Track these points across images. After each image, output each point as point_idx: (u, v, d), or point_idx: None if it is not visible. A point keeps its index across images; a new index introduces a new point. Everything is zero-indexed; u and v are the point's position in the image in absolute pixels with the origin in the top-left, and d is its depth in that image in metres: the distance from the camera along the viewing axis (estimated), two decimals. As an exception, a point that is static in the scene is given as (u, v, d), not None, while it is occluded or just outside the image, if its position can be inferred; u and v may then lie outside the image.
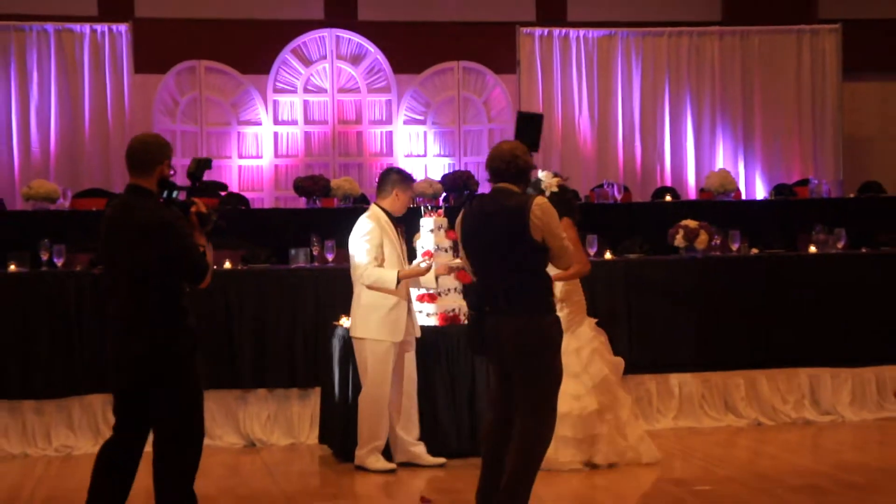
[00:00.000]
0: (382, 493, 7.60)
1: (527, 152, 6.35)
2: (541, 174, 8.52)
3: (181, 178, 6.09)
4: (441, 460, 8.25)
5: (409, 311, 8.20)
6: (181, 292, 5.86)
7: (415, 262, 8.28)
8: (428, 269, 8.15)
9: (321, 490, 7.78)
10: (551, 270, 6.49)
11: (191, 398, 5.91)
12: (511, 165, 6.24)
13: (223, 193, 6.64)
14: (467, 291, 8.47)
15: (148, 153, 5.87)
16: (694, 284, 9.95)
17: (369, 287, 7.98)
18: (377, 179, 8.45)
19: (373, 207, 8.24)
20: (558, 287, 8.08)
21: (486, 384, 8.39)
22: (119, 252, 5.80)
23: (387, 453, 8.19)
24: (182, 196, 5.94)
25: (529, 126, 6.51)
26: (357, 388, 8.33)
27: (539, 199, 6.14)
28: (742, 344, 9.88)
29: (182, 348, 5.88)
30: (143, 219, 5.74)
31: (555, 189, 8.36)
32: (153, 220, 5.72)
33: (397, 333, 8.06)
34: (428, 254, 8.35)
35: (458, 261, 8.37)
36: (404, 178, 8.36)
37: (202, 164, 6.10)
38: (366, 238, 8.02)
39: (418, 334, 8.28)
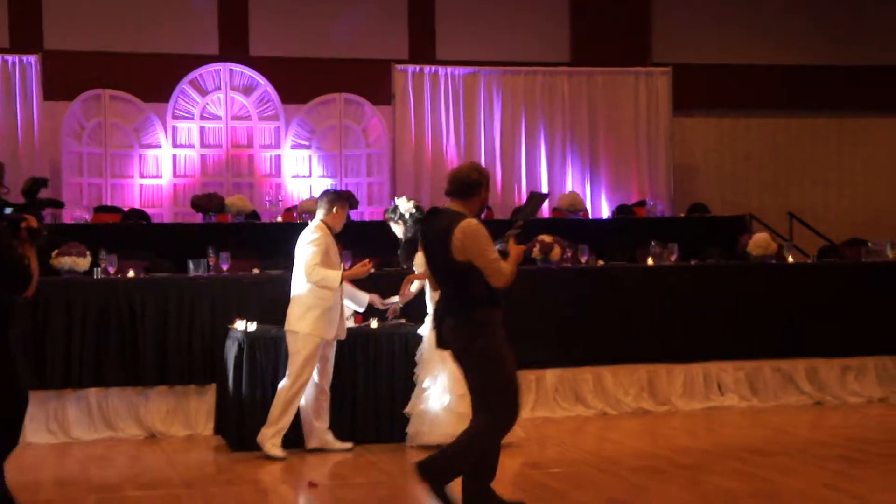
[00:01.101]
0: (274, 478, 7.48)
1: (474, 169, 6.10)
2: (397, 200, 8.55)
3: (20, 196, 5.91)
4: (348, 445, 8.22)
5: (341, 314, 8.12)
6: (8, 300, 5.61)
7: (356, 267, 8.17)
8: (367, 272, 8.09)
9: (217, 476, 7.60)
10: None
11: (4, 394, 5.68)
12: (452, 181, 6.02)
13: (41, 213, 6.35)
14: None
15: None
16: (549, 292, 9.98)
17: (316, 284, 7.86)
18: (318, 198, 8.35)
19: (317, 222, 8.10)
20: None
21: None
22: None
23: (300, 439, 8.13)
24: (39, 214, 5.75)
25: (533, 201, 6.35)
26: (250, 383, 8.23)
27: (464, 223, 5.83)
28: (589, 343, 9.94)
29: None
30: None
31: (413, 211, 8.41)
32: None
33: (329, 331, 7.99)
34: (368, 262, 8.23)
35: (394, 299, 8.44)
36: (340, 196, 8.30)
37: (37, 183, 5.93)
38: (315, 242, 7.91)
39: (343, 336, 8.18)
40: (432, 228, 6.04)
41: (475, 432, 5.94)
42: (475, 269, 5.84)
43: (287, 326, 8.04)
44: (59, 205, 6.34)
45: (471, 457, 5.95)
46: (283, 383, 7.99)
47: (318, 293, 7.94)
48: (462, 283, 5.90)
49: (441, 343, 6.11)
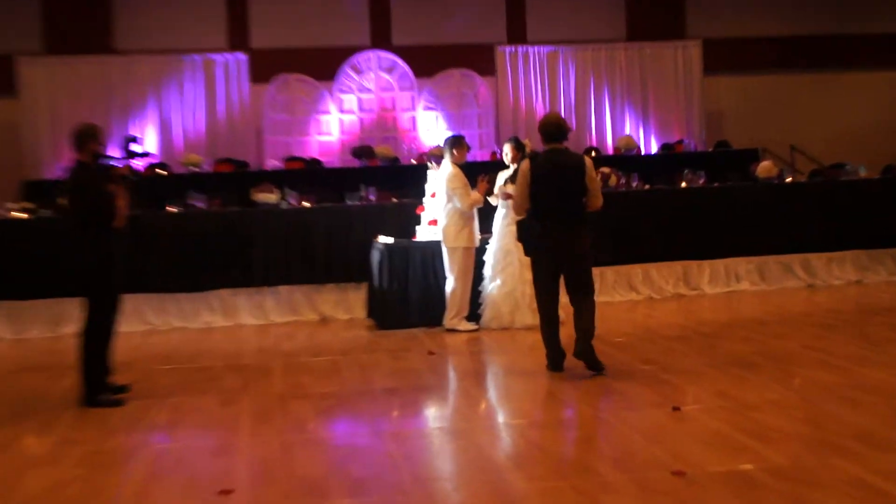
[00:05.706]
0: (402, 348, 7.43)
1: (562, 119, 6.10)
2: (525, 140, 8.12)
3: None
4: (474, 326, 7.95)
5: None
6: (102, 227, 5.53)
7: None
8: (487, 185, 7.75)
9: (365, 347, 7.63)
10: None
11: (104, 295, 5.59)
12: (559, 129, 6.02)
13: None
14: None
15: (80, 137, 5.59)
16: (608, 211, 9.56)
17: (472, 208, 7.69)
18: (443, 145, 7.97)
19: (449, 165, 7.78)
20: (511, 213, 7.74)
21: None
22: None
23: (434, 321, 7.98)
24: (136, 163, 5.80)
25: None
26: (389, 281, 8.18)
27: (588, 159, 5.99)
28: (638, 245, 9.67)
29: (94, 262, 5.54)
30: (69, 181, 5.59)
31: (529, 151, 7.99)
32: (71, 181, 5.56)
33: (476, 240, 7.85)
34: (484, 177, 7.83)
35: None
36: (458, 140, 7.89)
37: (128, 140, 5.93)
38: (458, 185, 7.69)
39: (477, 244, 7.93)
40: (564, 162, 5.98)
41: (593, 307, 5.97)
42: (586, 191, 5.94)
43: (447, 244, 7.77)
44: (146, 154, 6.27)
45: (595, 326, 6.00)
46: (452, 285, 7.77)
47: (465, 215, 7.69)
48: (581, 201, 5.95)
49: (543, 248, 5.97)
